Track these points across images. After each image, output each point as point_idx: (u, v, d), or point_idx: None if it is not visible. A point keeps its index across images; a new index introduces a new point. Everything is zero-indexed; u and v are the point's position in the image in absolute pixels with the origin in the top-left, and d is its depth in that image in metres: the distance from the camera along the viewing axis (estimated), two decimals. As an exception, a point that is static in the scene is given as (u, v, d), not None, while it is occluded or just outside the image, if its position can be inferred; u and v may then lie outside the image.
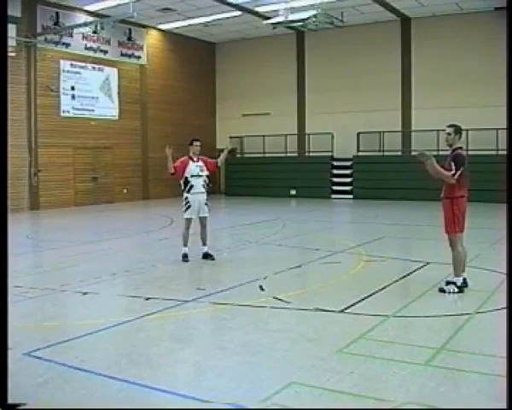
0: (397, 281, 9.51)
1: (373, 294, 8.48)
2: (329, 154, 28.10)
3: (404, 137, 26.84)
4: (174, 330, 7.06)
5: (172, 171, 11.35)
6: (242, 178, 29.73)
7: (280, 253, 12.67)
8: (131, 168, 27.34)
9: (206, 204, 11.55)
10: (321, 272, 10.66)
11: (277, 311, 7.69)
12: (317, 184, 27.84)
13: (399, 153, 26.75)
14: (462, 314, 7.42)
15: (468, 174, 8.59)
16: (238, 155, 30.83)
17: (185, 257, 11.36)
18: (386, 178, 25.78)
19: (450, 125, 8.69)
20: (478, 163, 23.38)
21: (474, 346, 6.22)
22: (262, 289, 8.91)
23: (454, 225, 8.53)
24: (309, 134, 29.14)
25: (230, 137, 30.27)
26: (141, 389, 5.16)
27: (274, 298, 8.25)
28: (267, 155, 29.69)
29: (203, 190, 11.49)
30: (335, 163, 28.07)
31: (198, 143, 11.57)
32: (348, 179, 27.43)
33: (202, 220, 11.58)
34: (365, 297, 8.26)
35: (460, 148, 8.58)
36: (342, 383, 5.20)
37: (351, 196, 27.10)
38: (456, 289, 8.46)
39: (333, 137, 27.83)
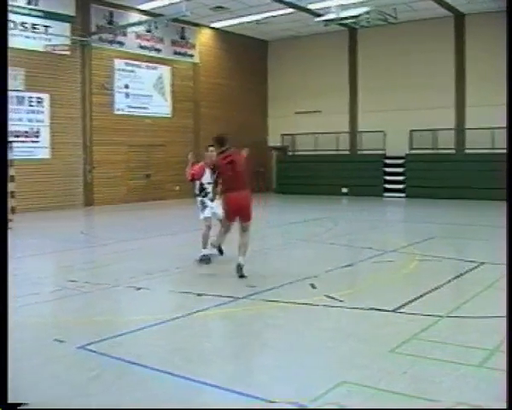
0: (450, 281, 9.38)
1: (426, 293, 8.36)
2: (382, 152, 27.83)
3: (458, 135, 26.39)
4: (225, 327, 7.10)
5: (190, 178, 11.37)
6: (294, 176, 29.58)
7: (331, 251, 12.62)
8: (184, 166, 27.42)
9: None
10: (373, 271, 10.55)
11: (329, 309, 7.65)
12: (369, 183, 27.58)
13: (453, 151, 26.32)
14: (518, 316, 7.26)
15: (226, 173, 9.80)
16: (290, 153, 30.81)
17: (206, 258, 11.05)
18: (439, 176, 25.39)
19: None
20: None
21: (531, 348, 6.08)
22: (313, 288, 8.88)
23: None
24: (361, 132, 28.95)
25: (282, 135, 30.37)
26: (198, 386, 5.14)
27: (326, 296, 8.21)
28: (319, 152, 29.56)
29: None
30: (388, 161, 27.77)
31: (213, 149, 10.93)
32: (401, 178, 27.08)
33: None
34: (418, 297, 8.15)
35: (221, 152, 10.04)
36: (395, 383, 5.14)
37: (404, 195, 26.78)
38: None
39: (385, 135, 27.57)
